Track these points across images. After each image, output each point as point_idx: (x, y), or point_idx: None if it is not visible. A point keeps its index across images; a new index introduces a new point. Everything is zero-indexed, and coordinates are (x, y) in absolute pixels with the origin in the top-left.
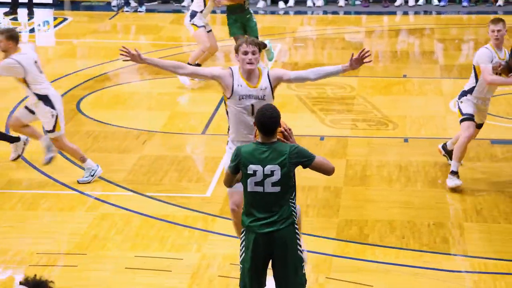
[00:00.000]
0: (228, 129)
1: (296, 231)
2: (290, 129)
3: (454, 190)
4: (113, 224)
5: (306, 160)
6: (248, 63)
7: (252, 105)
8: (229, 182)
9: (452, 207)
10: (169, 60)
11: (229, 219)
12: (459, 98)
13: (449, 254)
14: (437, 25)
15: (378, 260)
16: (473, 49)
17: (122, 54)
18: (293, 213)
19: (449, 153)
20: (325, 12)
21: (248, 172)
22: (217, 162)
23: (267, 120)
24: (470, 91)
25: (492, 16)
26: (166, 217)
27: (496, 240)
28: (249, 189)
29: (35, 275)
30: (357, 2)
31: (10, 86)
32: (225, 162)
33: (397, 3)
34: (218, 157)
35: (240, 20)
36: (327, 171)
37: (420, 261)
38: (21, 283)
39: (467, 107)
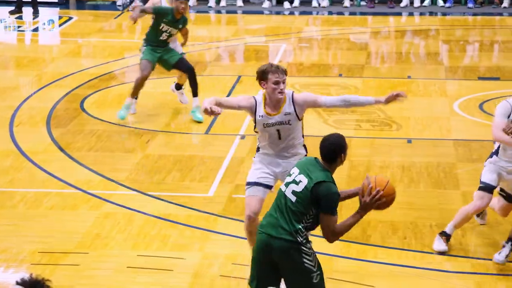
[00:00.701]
0: (258, 145)
1: (304, 249)
2: (378, 194)
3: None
4: (116, 223)
5: (326, 203)
6: (279, 93)
7: (278, 131)
8: None
9: (454, 208)
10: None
11: (231, 218)
12: (486, 160)
13: (451, 255)
14: (442, 26)
15: (380, 261)
16: (478, 51)
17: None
18: (300, 234)
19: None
20: (330, 13)
21: (290, 172)
22: (220, 162)
23: (326, 145)
24: (496, 152)
25: (497, 18)
26: (168, 217)
27: (498, 241)
28: (281, 186)
29: (31, 274)
30: (363, 3)
31: (14, 85)
32: (250, 173)
33: (402, 4)
34: (221, 156)
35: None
36: (329, 232)
37: (422, 262)
38: (17, 283)
39: (487, 173)
